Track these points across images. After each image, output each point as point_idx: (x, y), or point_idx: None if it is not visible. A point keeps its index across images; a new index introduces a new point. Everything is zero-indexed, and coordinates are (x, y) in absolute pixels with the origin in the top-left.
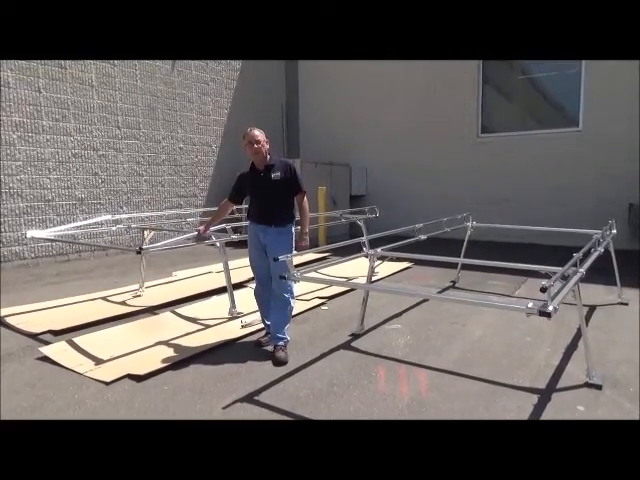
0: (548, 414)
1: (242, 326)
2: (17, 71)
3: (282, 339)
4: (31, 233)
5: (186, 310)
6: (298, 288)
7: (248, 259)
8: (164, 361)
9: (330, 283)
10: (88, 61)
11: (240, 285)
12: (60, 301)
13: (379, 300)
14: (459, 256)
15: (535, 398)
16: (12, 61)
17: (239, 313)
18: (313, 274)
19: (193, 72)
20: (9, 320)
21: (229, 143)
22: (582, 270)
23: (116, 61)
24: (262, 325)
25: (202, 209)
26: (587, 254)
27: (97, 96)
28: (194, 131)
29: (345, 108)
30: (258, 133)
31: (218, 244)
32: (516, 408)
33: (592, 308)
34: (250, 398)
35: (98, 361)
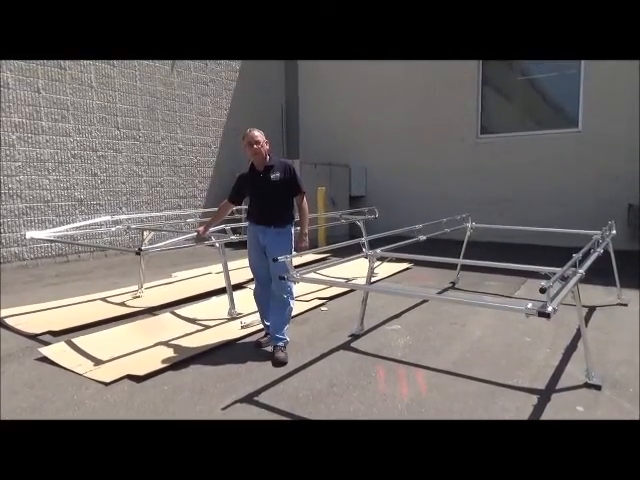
0: (547, 414)
1: (242, 327)
2: (16, 72)
3: (282, 340)
4: (30, 234)
5: (186, 311)
6: (298, 289)
7: (247, 260)
8: (164, 362)
9: (330, 284)
10: (87, 62)
11: (240, 286)
12: (59, 302)
13: (379, 301)
14: (459, 257)
15: (534, 398)
16: (12, 62)
17: (239, 314)
18: (313, 275)
19: (192, 73)
20: (8, 321)
21: (228, 144)
22: (581, 271)
23: (115, 62)
24: (262, 326)
25: (201, 210)
26: (587, 255)
27: (96, 97)
28: (193, 132)
29: (345, 108)
30: (258, 134)
31: (217, 245)
32: (515, 408)
33: (591, 309)
34: (250, 398)
35: (97, 362)
